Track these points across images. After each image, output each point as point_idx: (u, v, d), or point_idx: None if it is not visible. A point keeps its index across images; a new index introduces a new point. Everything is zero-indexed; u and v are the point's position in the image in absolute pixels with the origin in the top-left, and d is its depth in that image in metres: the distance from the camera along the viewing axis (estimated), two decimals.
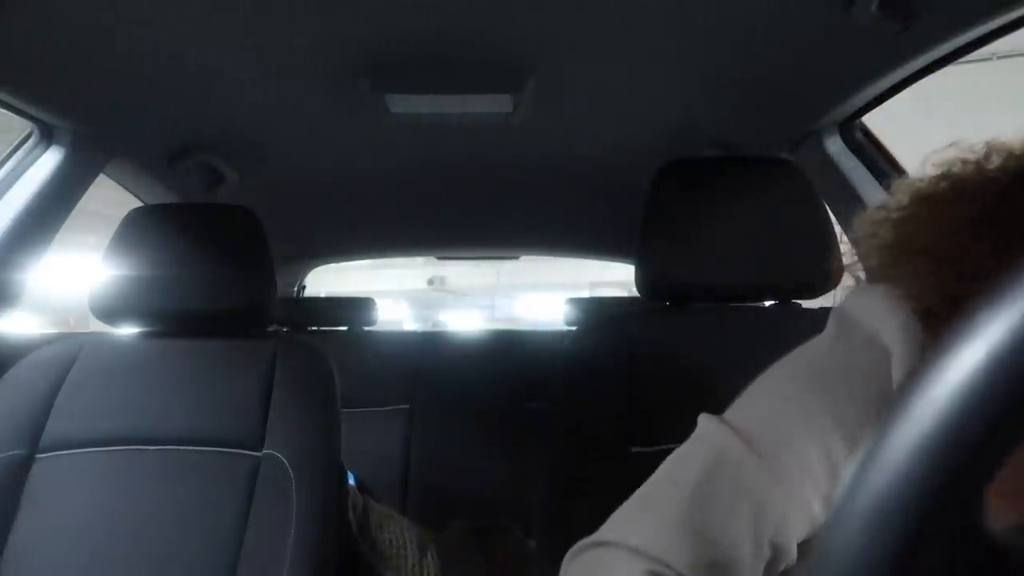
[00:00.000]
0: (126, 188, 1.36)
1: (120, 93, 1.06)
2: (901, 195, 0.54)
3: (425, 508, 1.71)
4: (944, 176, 0.53)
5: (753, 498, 0.48)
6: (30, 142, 1.10)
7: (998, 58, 3.99)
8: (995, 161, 0.51)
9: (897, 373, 0.49)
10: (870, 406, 0.49)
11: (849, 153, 1.17)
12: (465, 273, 10.33)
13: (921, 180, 0.53)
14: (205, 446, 0.95)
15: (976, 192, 0.50)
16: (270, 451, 0.94)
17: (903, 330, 0.50)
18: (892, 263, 0.52)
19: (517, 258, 2.62)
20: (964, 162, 0.53)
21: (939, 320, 0.48)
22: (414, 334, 2.41)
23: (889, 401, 0.50)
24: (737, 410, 0.54)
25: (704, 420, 0.53)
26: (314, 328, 2.17)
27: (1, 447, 0.92)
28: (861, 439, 0.47)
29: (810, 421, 0.49)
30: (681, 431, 0.55)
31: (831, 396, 0.50)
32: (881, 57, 0.92)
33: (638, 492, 0.52)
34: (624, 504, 0.52)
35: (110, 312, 1.01)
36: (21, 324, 1.21)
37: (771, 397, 0.53)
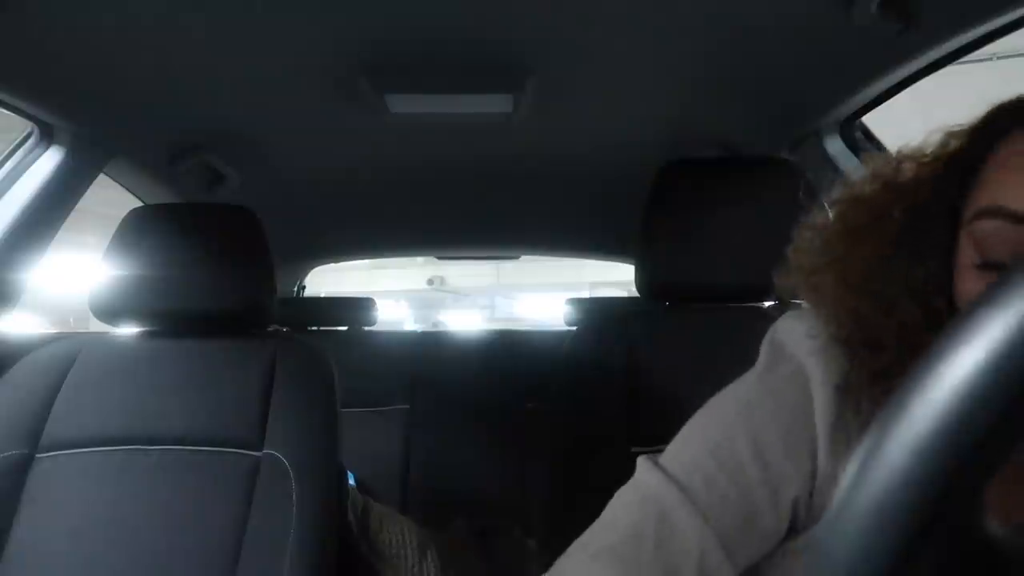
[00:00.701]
0: (126, 188, 1.36)
1: (120, 93, 1.06)
2: (823, 215, 0.55)
3: (425, 508, 1.71)
4: (855, 199, 0.52)
5: (686, 545, 0.49)
6: (30, 142, 1.10)
7: (998, 58, 3.99)
8: (908, 170, 0.51)
9: (818, 401, 0.51)
10: (798, 440, 0.50)
11: (849, 153, 1.17)
12: (465, 273, 10.33)
13: (842, 199, 0.54)
14: (205, 446, 0.95)
15: (885, 214, 0.50)
16: (270, 451, 0.94)
17: (822, 359, 0.51)
18: (814, 288, 0.53)
19: (517, 258, 2.62)
20: (875, 177, 0.52)
21: (859, 346, 0.49)
22: (414, 334, 2.41)
23: (810, 435, 0.49)
24: (673, 453, 0.54)
25: (642, 465, 0.54)
26: (314, 328, 2.17)
27: (1, 447, 0.92)
28: (787, 476, 0.49)
29: (739, 470, 0.50)
30: None
31: (760, 438, 0.51)
32: (881, 57, 0.92)
33: (581, 537, 0.53)
34: (569, 548, 0.53)
35: (110, 312, 1.01)
36: (21, 324, 1.21)
37: (704, 442, 0.53)
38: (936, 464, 0.18)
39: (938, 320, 0.46)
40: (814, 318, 0.53)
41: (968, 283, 0.44)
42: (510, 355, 1.98)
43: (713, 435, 0.53)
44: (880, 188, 0.51)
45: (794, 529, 0.51)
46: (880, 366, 0.47)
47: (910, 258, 0.48)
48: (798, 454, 0.50)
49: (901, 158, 0.52)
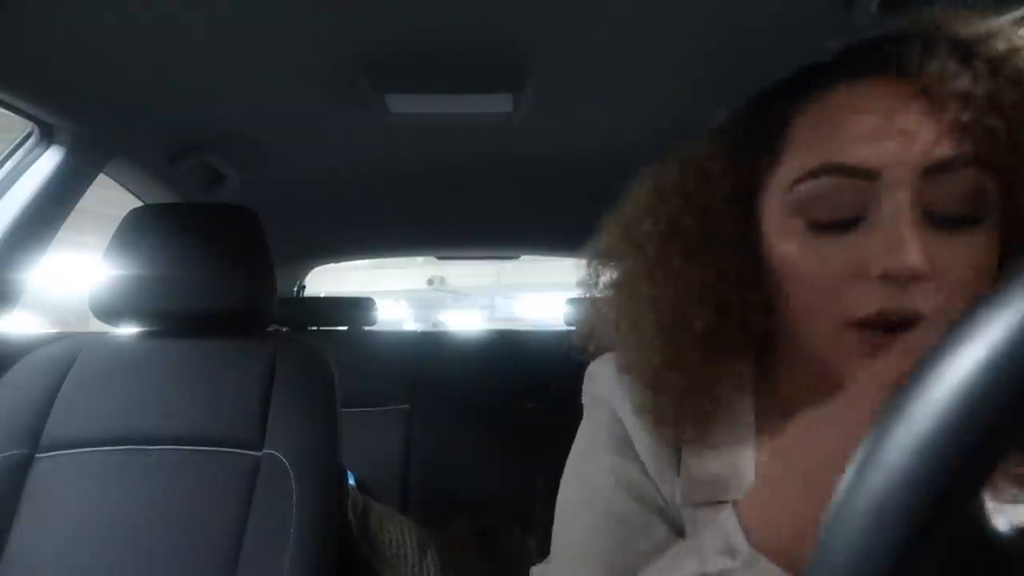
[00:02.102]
0: (126, 188, 1.36)
1: (120, 93, 1.06)
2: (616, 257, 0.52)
3: (425, 508, 1.71)
4: (661, 217, 0.49)
5: None
6: (30, 142, 1.10)
7: None
8: (684, 168, 0.49)
9: (630, 428, 0.51)
10: (635, 464, 0.51)
11: None
12: (465, 273, 10.33)
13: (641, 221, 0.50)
14: (205, 446, 0.95)
15: (667, 219, 0.47)
16: (270, 451, 0.94)
17: (620, 388, 0.51)
18: (617, 328, 0.51)
19: (517, 258, 2.62)
20: (684, 195, 0.48)
21: (669, 385, 0.48)
22: (414, 334, 2.41)
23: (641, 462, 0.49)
24: (555, 541, 0.53)
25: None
26: (314, 328, 2.17)
27: (1, 447, 0.92)
28: (649, 489, 0.50)
29: (612, 505, 0.50)
30: None
31: (615, 466, 0.51)
32: None
33: None
34: None
35: (110, 312, 1.01)
36: (21, 324, 1.21)
37: (575, 518, 0.52)
38: (936, 464, 0.18)
39: (730, 315, 0.46)
40: (615, 362, 0.53)
41: (795, 250, 0.42)
42: (510, 355, 1.98)
43: (577, 494, 0.53)
44: (672, 199, 0.48)
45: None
46: (677, 385, 0.47)
47: (700, 262, 0.46)
48: (643, 471, 0.51)
49: (678, 159, 0.50)
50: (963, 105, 0.37)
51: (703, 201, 0.47)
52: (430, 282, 10.53)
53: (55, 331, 1.68)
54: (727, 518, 0.41)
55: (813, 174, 0.41)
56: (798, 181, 0.42)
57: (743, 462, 0.47)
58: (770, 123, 0.45)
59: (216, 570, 0.88)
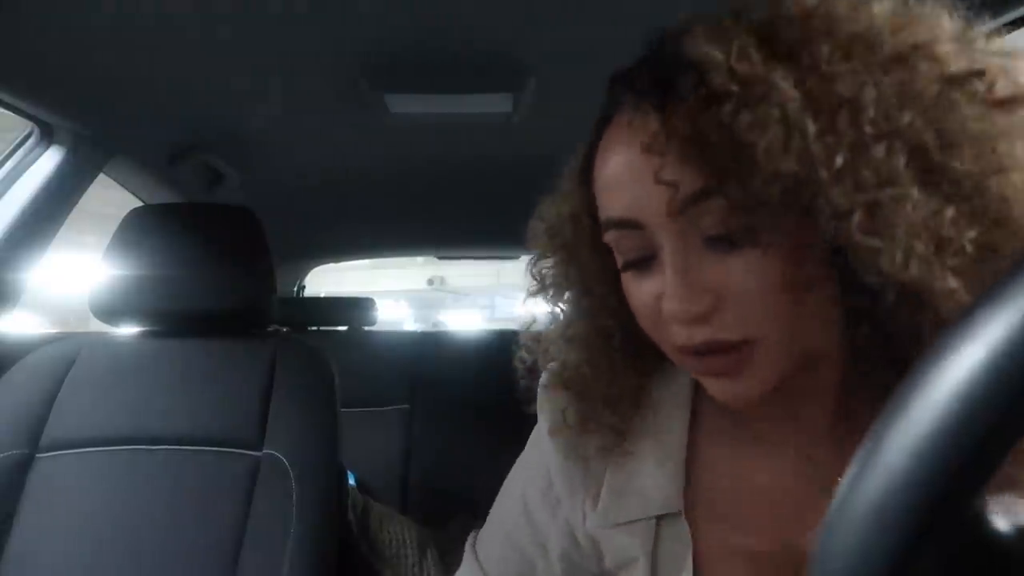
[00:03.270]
0: (126, 188, 1.36)
1: (120, 93, 1.06)
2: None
3: (425, 508, 1.71)
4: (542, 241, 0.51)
5: None
6: (30, 142, 1.10)
7: None
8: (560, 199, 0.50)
9: (545, 449, 0.53)
10: (550, 493, 0.53)
11: None
12: (465, 273, 10.33)
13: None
14: (205, 446, 0.95)
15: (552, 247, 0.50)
16: (270, 451, 0.94)
17: (544, 406, 0.54)
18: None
19: (517, 258, 2.61)
20: (552, 230, 0.50)
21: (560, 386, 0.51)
22: (414, 334, 2.41)
23: (555, 488, 0.52)
24: (484, 539, 0.59)
25: (466, 550, 0.60)
26: (314, 328, 2.17)
27: (1, 447, 0.92)
28: (549, 531, 0.53)
29: (515, 532, 0.55)
30: None
31: (527, 495, 0.55)
32: None
33: None
34: None
35: (110, 312, 1.01)
36: (21, 324, 1.21)
37: (497, 510, 0.58)
38: (936, 465, 0.18)
39: (611, 341, 0.48)
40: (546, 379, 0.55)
41: (625, 284, 0.44)
42: (510, 355, 1.97)
43: (502, 504, 0.58)
44: (543, 237, 0.51)
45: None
46: (581, 400, 0.49)
47: (580, 291, 0.49)
48: (553, 507, 0.52)
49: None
50: (673, 139, 0.36)
51: (568, 236, 0.48)
52: (430, 282, 10.53)
53: (55, 331, 1.68)
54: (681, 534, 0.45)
55: (604, 227, 0.43)
56: (603, 229, 0.43)
57: (670, 475, 0.48)
58: (587, 162, 0.46)
59: (216, 570, 0.88)
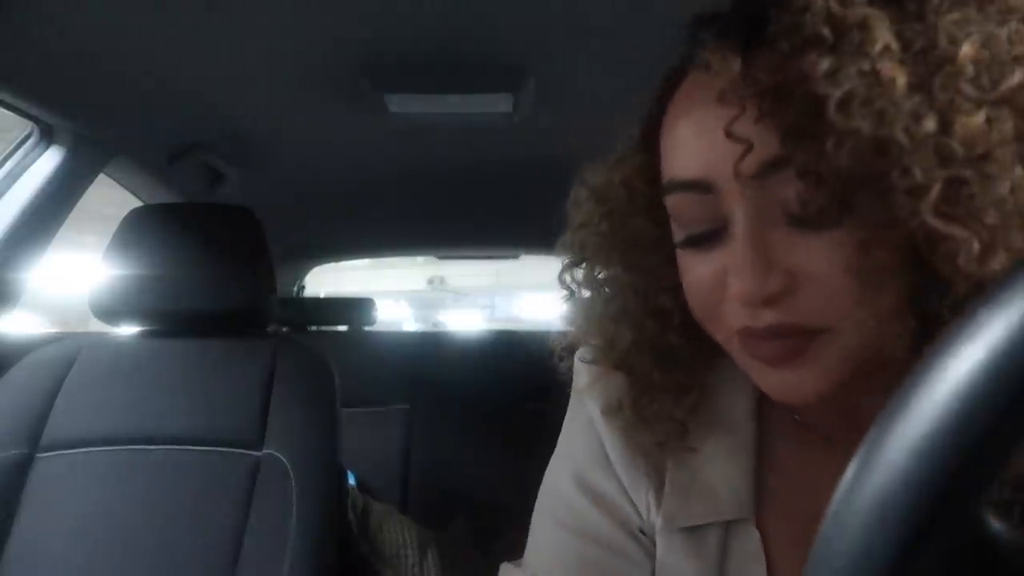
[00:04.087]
0: (126, 188, 1.36)
1: (120, 93, 1.06)
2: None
3: (425, 508, 1.71)
4: (582, 222, 0.46)
5: None
6: (30, 142, 1.09)
7: None
8: (612, 171, 0.45)
9: (602, 434, 0.47)
10: (611, 475, 0.46)
11: None
12: (465, 273, 10.32)
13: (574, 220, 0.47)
14: (205, 446, 0.95)
15: (597, 225, 0.45)
16: (270, 451, 0.94)
17: (595, 390, 0.48)
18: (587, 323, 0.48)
19: (517, 258, 2.61)
20: (605, 199, 0.45)
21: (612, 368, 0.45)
22: (414, 334, 2.41)
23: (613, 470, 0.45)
24: (530, 546, 0.48)
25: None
26: (314, 328, 2.17)
27: (1, 447, 0.92)
28: (625, 509, 0.45)
29: (584, 522, 0.46)
30: None
31: (588, 479, 0.47)
32: None
33: None
34: None
35: (110, 312, 1.01)
36: (21, 324, 1.21)
37: (548, 517, 0.48)
38: (937, 464, 0.18)
39: (669, 322, 0.43)
40: (587, 357, 0.49)
41: (681, 262, 0.40)
42: (510, 355, 1.97)
43: (551, 504, 0.48)
44: (591, 204, 0.46)
45: None
46: (638, 387, 0.43)
47: (627, 266, 0.44)
48: (619, 487, 0.46)
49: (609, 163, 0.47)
50: (753, 98, 0.32)
51: (621, 204, 0.44)
52: (430, 282, 10.52)
53: (55, 331, 1.68)
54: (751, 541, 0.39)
55: (665, 190, 0.39)
56: (664, 196, 0.39)
57: (740, 474, 0.43)
58: (652, 121, 0.42)
59: (216, 570, 0.88)
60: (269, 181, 1.55)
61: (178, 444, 0.95)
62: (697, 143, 0.36)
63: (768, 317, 0.35)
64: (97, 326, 1.08)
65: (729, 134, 0.33)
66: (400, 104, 1.14)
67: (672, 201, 0.39)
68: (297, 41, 0.95)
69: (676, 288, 0.41)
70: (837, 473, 0.47)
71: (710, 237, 0.37)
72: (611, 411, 0.45)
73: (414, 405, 1.88)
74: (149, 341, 1.06)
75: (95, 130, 1.12)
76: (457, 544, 1.47)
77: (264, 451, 0.94)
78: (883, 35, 0.30)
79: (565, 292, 0.49)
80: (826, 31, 0.30)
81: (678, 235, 0.39)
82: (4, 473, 0.91)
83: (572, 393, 0.52)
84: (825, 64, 0.30)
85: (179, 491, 0.92)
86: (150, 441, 0.95)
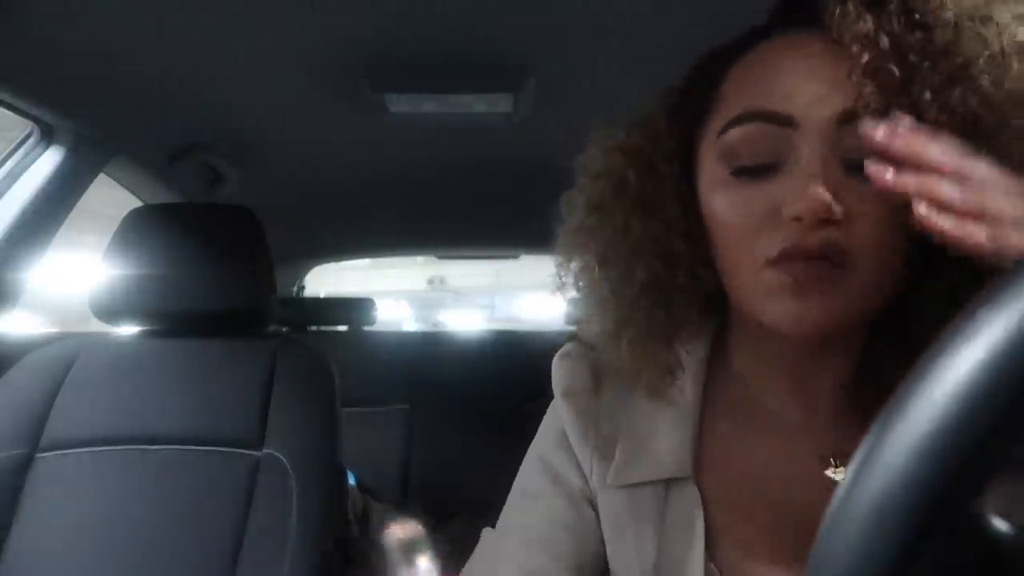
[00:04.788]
0: (126, 188, 1.36)
1: (120, 93, 1.06)
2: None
3: (425, 508, 1.71)
4: (595, 175, 0.51)
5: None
6: (30, 142, 1.09)
7: None
8: (635, 132, 0.51)
9: (562, 414, 0.52)
10: (571, 457, 0.52)
11: None
12: (465, 273, 10.32)
13: (584, 178, 0.52)
14: (205, 446, 0.95)
15: (621, 181, 0.49)
16: (270, 451, 0.94)
17: (560, 372, 0.54)
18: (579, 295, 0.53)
19: (517, 258, 2.61)
20: (607, 148, 0.51)
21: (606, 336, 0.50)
22: (414, 334, 2.41)
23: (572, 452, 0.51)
24: (503, 513, 0.55)
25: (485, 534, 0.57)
26: (314, 328, 2.17)
27: (1, 447, 0.92)
28: (577, 488, 0.51)
29: (541, 495, 0.52)
30: None
31: (549, 460, 0.53)
32: None
33: None
34: None
35: (110, 312, 1.01)
36: (21, 324, 1.21)
37: (515, 499, 0.55)
38: (936, 465, 0.18)
39: (679, 264, 0.47)
40: (569, 353, 0.55)
41: (720, 196, 0.44)
42: (510, 355, 1.97)
43: (521, 479, 0.55)
44: (616, 155, 0.50)
45: None
46: (634, 333, 0.48)
47: (644, 214, 0.47)
48: (573, 464, 0.52)
49: (626, 122, 0.52)
50: (868, 49, 0.38)
51: (646, 156, 0.48)
52: (430, 282, 10.52)
53: (55, 331, 1.68)
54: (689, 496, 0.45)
55: (738, 120, 0.42)
56: (725, 129, 0.43)
57: (681, 441, 0.48)
58: (706, 79, 0.47)
59: (216, 569, 0.88)
60: (269, 181, 1.55)
61: (178, 444, 0.95)
62: (789, 81, 0.41)
63: (816, 237, 0.39)
64: (97, 326, 1.08)
65: (863, 74, 0.38)
66: (400, 104, 1.14)
67: (738, 133, 0.42)
68: (297, 41, 0.95)
69: (688, 234, 0.46)
70: (776, 449, 0.49)
71: (766, 170, 0.41)
72: (569, 389, 0.52)
73: (414, 405, 1.88)
74: (149, 341, 1.06)
75: (95, 130, 1.12)
76: (457, 544, 1.47)
77: (264, 451, 0.94)
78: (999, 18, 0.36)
79: (566, 254, 0.53)
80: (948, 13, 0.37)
81: (731, 166, 0.43)
82: (4, 473, 0.91)
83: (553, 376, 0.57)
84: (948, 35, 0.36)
85: (179, 491, 0.92)
86: (150, 441, 0.95)
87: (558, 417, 0.53)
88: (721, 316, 0.51)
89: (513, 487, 0.56)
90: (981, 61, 0.36)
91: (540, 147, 1.41)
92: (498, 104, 1.15)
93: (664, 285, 0.47)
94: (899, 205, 0.37)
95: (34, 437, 0.94)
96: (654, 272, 0.47)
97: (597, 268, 0.49)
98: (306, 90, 1.12)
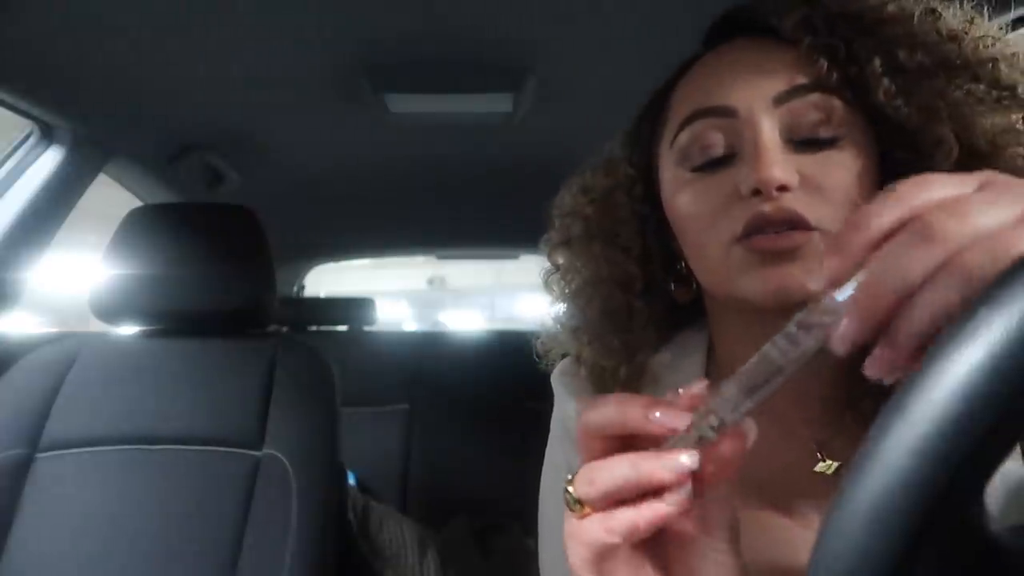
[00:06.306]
0: (126, 188, 1.36)
1: (120, 93, 1.06)
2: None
3: (425, 508, 1.71)
4: (566, 215, 0.55)
5: None
6: (30, 142, 1.09)
7: None
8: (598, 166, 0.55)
9: (569, 431, 0.55)
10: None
11: None
12: (465, 273, 10.31)
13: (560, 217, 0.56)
14: (205, 445, 0.95)
15: (585, 214, 0.53)
16: (270, 451, 0.94)
17: (563, 390, 0.56)
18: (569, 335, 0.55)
19: (517, 258, 2.61)
20: (587, 189, 0.55)
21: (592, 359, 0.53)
22: (414, 334, 2.41)
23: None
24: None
25: None
26: (314, 328, 2.17)
27: (1, 447, 0.92)
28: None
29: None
30: None
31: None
32: None
33: None
34: None
35: (110, 312, 1.01)
36: (21, 324, 1.21)
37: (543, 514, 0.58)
38: (936, 465, 0.18)
39: (634, 287, 0.51)
40: (568, 363, 0.57)
41: (683, 194, 0.46)
42: (510, 355, 1.97)
43: (543, 482, 0.58)
44: (579, 195, 0.54)
45: None
46: (597, 354, 0.51)
47: (604, 243, 0.51)
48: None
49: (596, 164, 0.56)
50: (804, 32, 0.42)
51: (604, 190, 0.52)
52: (430, 282, 10.51)
53: (55, 331, 1.68)
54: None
55: (686, 122, 0.46)
56: (676, 135, 0.46)
57: None
58: (657, 101, 0.52)
59: (216, 570, 0.88)
60: (269, 181, 1.55)
61: (178, 444, 0.95)
62: (727, 77, 0.44)
63: (779, 206, 0.41)
64: (97, 326, 1.08)
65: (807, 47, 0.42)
66: (400, 104, 1.14)
67: (688, 134, 0.45)
68: (297, 41, 0.95)
69: (642, 256, 0.51)
70: (763, 439, 0.50)
71: (722, 162, 0.44)
72: (577, 403, 0.55)
73: (414, 405, 1.88)
74: (149, 341, 1.06)
75: (95, 130, 1.12)
76: (457, 543, 1.47)
77: (264, 451, 0.94)
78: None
79: (550, 270, 0.57)
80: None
81: (691, 164, 0.46)
82: (4, 473, 0.91)
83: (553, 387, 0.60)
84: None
85: (179, 491, 0.92)
86: (150, 441, 0.95)
87: (565, 428, 0.56)
88: (702, 327, 0.53)
89: (540, 500, 0.58)
90: (915, 19, 0.40)
91: (540, 147, 1.41)
92: (498, 104, 1.15)
93: (618, 308, 0.51)
94: (861, 170, 0.40)
95: (34, 437, 0.94)
96: (608, 297, 0.51)
97: (571, 299, 0.54)
98: (306, 90, 1.12)
